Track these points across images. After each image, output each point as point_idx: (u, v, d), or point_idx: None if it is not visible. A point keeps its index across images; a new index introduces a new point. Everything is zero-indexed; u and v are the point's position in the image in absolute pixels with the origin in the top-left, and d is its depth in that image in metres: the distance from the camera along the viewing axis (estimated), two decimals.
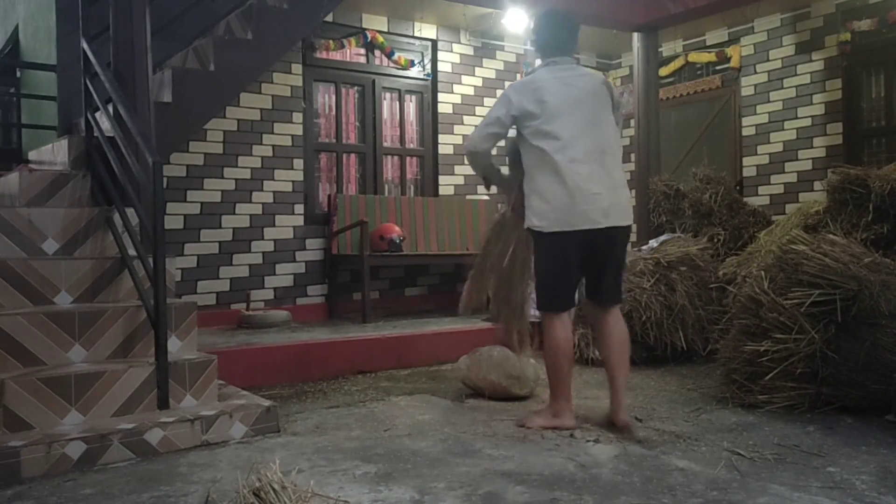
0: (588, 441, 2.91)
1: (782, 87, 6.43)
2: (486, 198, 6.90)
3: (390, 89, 6.61)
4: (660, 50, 6.84)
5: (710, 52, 6.98)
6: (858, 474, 2.49)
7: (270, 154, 5.80)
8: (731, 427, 3.12)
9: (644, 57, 6.38)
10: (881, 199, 4.17)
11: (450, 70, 6.81)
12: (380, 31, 6.39)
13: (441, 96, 6.74)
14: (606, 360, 3.16)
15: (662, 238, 5.15)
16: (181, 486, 2.47)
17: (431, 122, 6.76)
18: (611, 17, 6.17)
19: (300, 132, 5.97)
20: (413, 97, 6.75)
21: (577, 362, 4.58)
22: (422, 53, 6.73)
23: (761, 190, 6.56)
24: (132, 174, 3.36)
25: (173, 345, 3.24)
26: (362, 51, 6.43)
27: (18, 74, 7.21)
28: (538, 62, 3.30)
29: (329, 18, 5.87)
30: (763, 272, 3.57)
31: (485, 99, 6.98)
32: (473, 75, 6.94)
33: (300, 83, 5.98)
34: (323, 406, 3.64)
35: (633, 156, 6.46)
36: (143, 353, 3.22)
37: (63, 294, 3.30)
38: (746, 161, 6.71)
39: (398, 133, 6.68)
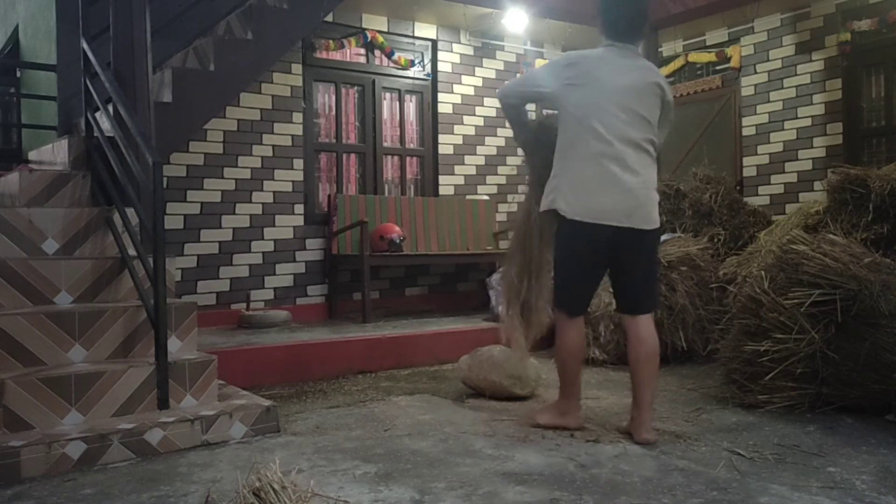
0: (588, 441, 2.91)
1: (782, 87, 6.43)
2: (486, 198, 6.91)
3: (390, 89, 6.61)
4: (660, 50, 6.84)
5: (710, 52, 6.98)
6: (858, 474, 2.49)
7: (270, 154, 5.80)
8: (731, 427, 3.11)
9: (644, 57, 6.36)
10: (881, 199, 4.17)
11: (450, 70, 6.81)
12: (380, 31, 6.39)
13: (441, 96, 6.74)
14: (635, 374, 2.98)
15: (663, 238, 5.15)
16: (181, 486, 2.47)
17: (431, 122, 6.76)
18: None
19: (300, 132, 5.97)
20: (413, 97, 6.75)
21: None
22: (422, 53, 6.73)
23: (761, 190, 6.56)
24: (132, 174, 3.36)
25: (173, 345, 3.24)
26: (362, 51, 6.43)
27: (18, 74, 7.22)
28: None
29: (329, 18, 5.87)
30: (763, 272, 3.57)
31: (485, 99, 6.98)
32: (473, 75, 6.94)
33: (300, 83, 5.98)
34: (323, 406, 3.64)
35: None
36: (143, 353, 3.22)
37: (63, 294, 3.31)
38: (746, 161, 6.71)
39: (398, 133, 6.68)
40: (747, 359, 3.46)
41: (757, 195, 6.52)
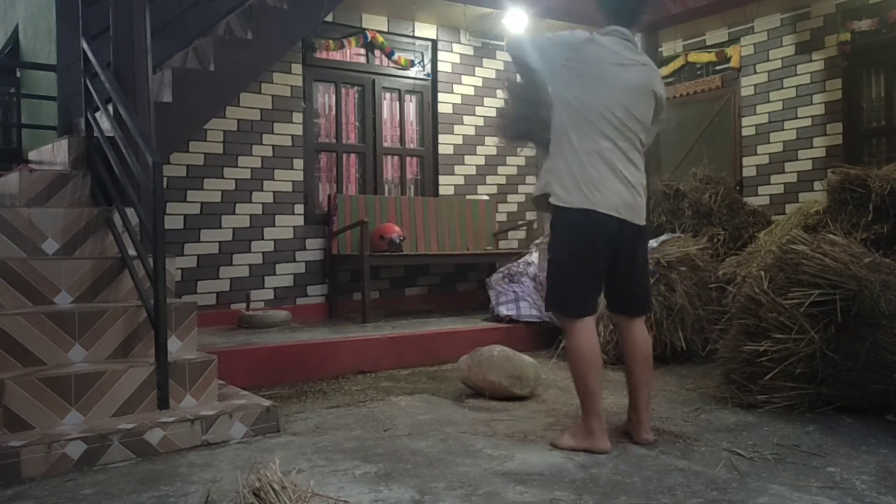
0: None
1: (782, 87, 6.44)
2: (486, 198, 6.91)
3: (390, 89, 6.61)
4: (660, 50, 6.85)
5: (710, 52, 6.98)
6: (858, 474, 2.49)
7: (270, 154, 5.80)
8: (731, 427, 3.11)
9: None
10: (881, 199, 4.17)
11: (450, 70, 6.81)
12: (380, 31, 6.39)
13: (441, 96, 6.74)
14: (631, 375, 2.94)
15: (662, 238, 5.15)
16: (181, 486, 2.47)
17: (431, 122, 6.77)
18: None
19: (300, 132, 5.97)
20: (413, 97, 6.75)
21: None
22: (422, 53, 6.73)
23: (761, 190, 6.56)
24: (132, 174, 3.36)
25: (173, 345, 3.24)
26: (362, 51, 6.43)
27: (18, 74, 7.22)
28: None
29: (329, 18, 5.87)
30: (763, 272, 3.57)
31: (485, 99, 6.98)
32: (473, 75, 6.94)
33: (300, 83, 5.98)
34: (323, 406, 3.64)
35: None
36: (143, 353, 3.22)
37: (63, 294, 3.31)
38: (746, 161, 6.71)
39: (398, 133, 6.68)
40: (747, 359, 3.46)
41: (757, 195, 6.52)
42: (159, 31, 4.07)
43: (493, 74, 7.05)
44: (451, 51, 6.82)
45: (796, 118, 6.34)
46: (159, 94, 4.07)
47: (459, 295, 6.70)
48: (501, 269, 5.66)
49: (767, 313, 3.40)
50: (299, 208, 5.93)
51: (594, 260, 2.81)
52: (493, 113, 7.04)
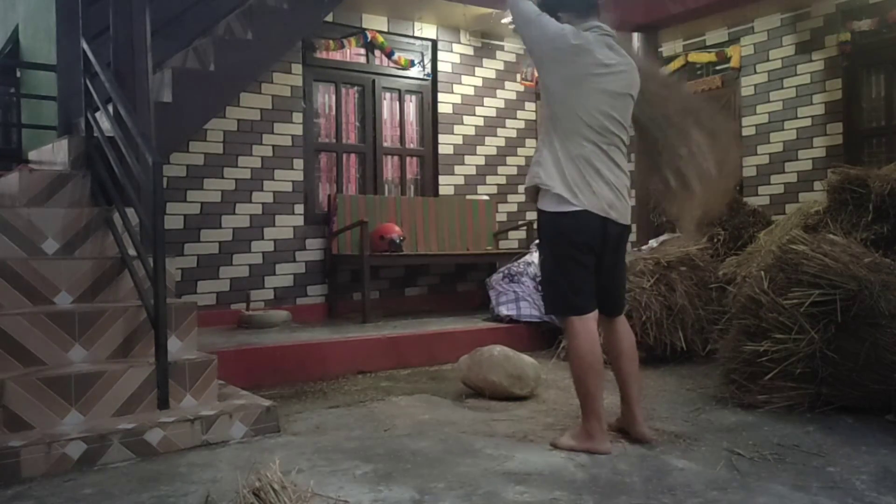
0: None
1: (782, 87, 6.43)
2: (486, 198, 6.91)
3: (390, 89, 6.61)
4: (660, 50, 6.84)
5: (710, 52, 6.98)
6: (858, 474, 2.49)
7: (270, 154, 5.80)
8: (731, 427, 3.11)
9: (644, 57, 6.37)
10: (881, 199, 4.17)
11: (450, 70, 6.81)
12: (380, 31, 6.39)
13: (441, 96, 6.74)
14: (619, 371, 2.96)
15: (662, 238, 5.15)
16: (181, 486, 2.47)
17: (431, 122, 6.76)
18: (611, 17, 6.15)
19: (300, 132, 5.97)
20: (413, 97, 6.75)
21: None
22: (422, 53, 6.73)
23: (761, 190, 6.55)
24: (132, 174, 3.36)
25: (173, 345, 3.24)
26: (362, 51, 6.43)
27: (18, 74, 7.21)
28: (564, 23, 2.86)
29: (329, 18, 5.87)
30: (763, 272, 3.56)
31: (485, 99, 6.98)
32: (473, 75, 6.94)
33: (300, 83, 5.98)
34: (323, 406, 3.64)
35: (632, 156, 6.45)
36: (143, 353, 3.22)
37: (63, 294, 3.31)
38: (746, 161, 6.70)
39: (398, 133, 6.68)
40: (747, 359, 3.46)
41: (757, 195, 6.52)
42: (159, 31, 4.06)
43: (493, 74, 7.05)
44: (451, 51, 6.82)
45: (796, 118, 6.34)
46: (159, 94, 4.06)
47: (459, 295, 6.69)
48: (501, 269, 5.66)
49: (767, 313, 3.40)
50: (299, 208, 5.93)
51: (584, 258, 2.82)
52: (493, 113, 7.05)
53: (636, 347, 3.02)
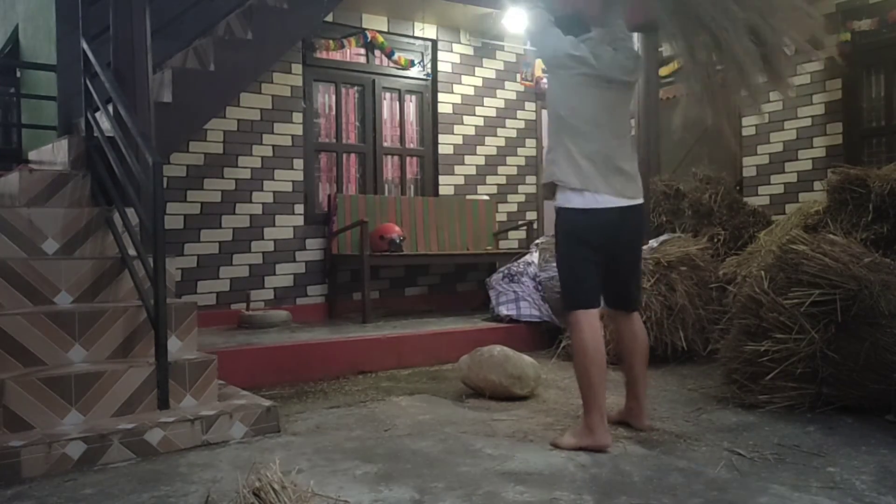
0: None
1: None
2: (486, 198, 6.91)
3: (390, 89, 6.61)
4: (660, 50, 6.84)
5: None
6: (858, 474, 2.49)
7: (270, 154, 5.80)
8: (732, 427, 3.11)
9: (644, 57, 6.36)
10: (881, 199, 4.17)
11: (450, 70, 6.81)
12: (380, 31, 6.39)
13: (441, 96, 6.74)
14: (630, 368, 3.06)
15: (662, 238, 5.15)
16: (181, 486, 2.47)
17: (431, 122, 6.77)
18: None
19: (300, 132, 5.97)
20: (413, 97, 6.75)
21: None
22: (422, 53, 6.73)
23: (761, 190, 6.56)
24: (132, 174, 3.36)
25: (173, 345, 3.24)
26: (362, 51, 6.43)
27: (18, 74, 7.21)
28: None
29: (329, 18, 5.87)
30: (763, 272, 3.57)
31: (485, 99, 6.98)
32: (473, 75, 6.94)
33: (300, 83, 5.98)
34: (323, 406, 3.64)
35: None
36: (143, 353, 3.22)
37: (63, 294, 3.31)
38: (746, 161, 6.71)
39: (398, 133, 6.68)
40: (747, 359, 3.46)
41: (757, 195, 6.52)
42: (159, 31, 4.06)
43: (493, 74, 7.05)
44: (451, 51, 6.82)
45: (796, 118, 6.34)
46: (159, 94, 4.06)
47: (459, 295, 6.70)
48: (501, 269, 5.65)
49: (768, 313, 3.40)
50: (299, 208, 5.93)
51: (594, 254, 2.87)
52: (493, 113, 7.05)
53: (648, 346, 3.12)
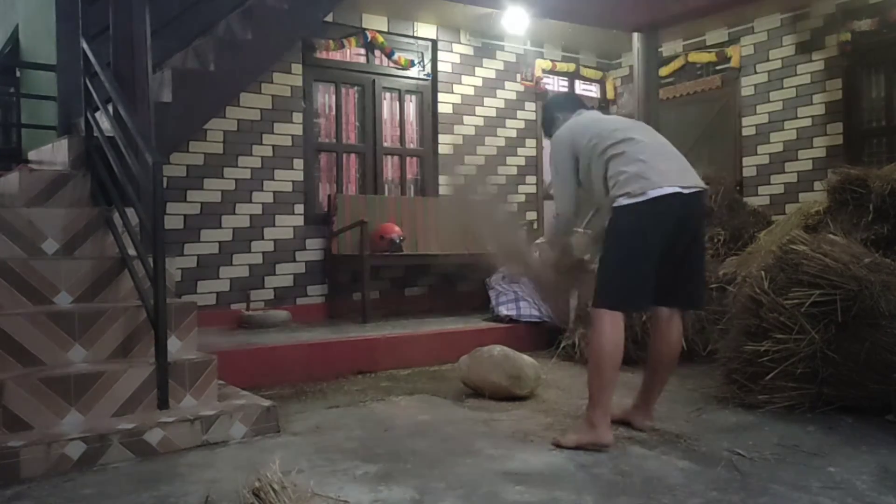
0: None
1: (782, 87, 6.43)
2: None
3: (390, 89, 6.61)
4: (660, 50, 6.84)
5: (710, 52, 6.98)
6: (858, 474, 2.49)
7: (270, 154, 5.79)
8: (732, 427, 3.11)
9: (644, 57, 6.37)
10: (881, 199, 4.17)
11: (450, 70, 6.81)
12: (380, 31, 6.39)
13: (441, 96, 6.74)
14: (654, 373, 3.06)
15: None
16: (181, 486, 2.47)
17: (431, 122, 6.76)
18: (611, 17, 6.17)
19: (300, 132, 5.97)
20: (413, 97, 6.75)
21: (576, 362, 4.59)
22: (422, 53, 6.73)
23: (761, 190, 6.55)
24: (132, 174, 3.36)
25: (173, 345, 3.24)
26: (362, 51, 6.43)
27: (18, 74, 7.21)
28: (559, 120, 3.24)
29: (329, 18, 5.87)
30: (763, 272, 3.56)
31: (485, 99, 6.98)
32: (473, 75, 6.94)
33: (300, 83, 5.98)
34: (323, 406, 3.64)
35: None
36: (143, 353, 3.22)
37: (63, 294, 3.30)
38: (746, 161, 6.71)
39: (398, 133, 6.67)
40: (747, 359, 3.45)
41: (757, 195, 6.52)
42: (159, 31, 4.06)
43: (493, 74, 7.05)
44: (451, 51, 6.82)
45: (796, 118, 6.34)
46: (159, 94, 4.06)
47: (459, 295, 6.69)
48: (501, 269, 5.65)
49: (768, 313, 3.40)
50: (299, 208, 5.93)
51: (655, 249, 2.81)
52: (493, 113, 7.04)
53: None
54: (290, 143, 5.89)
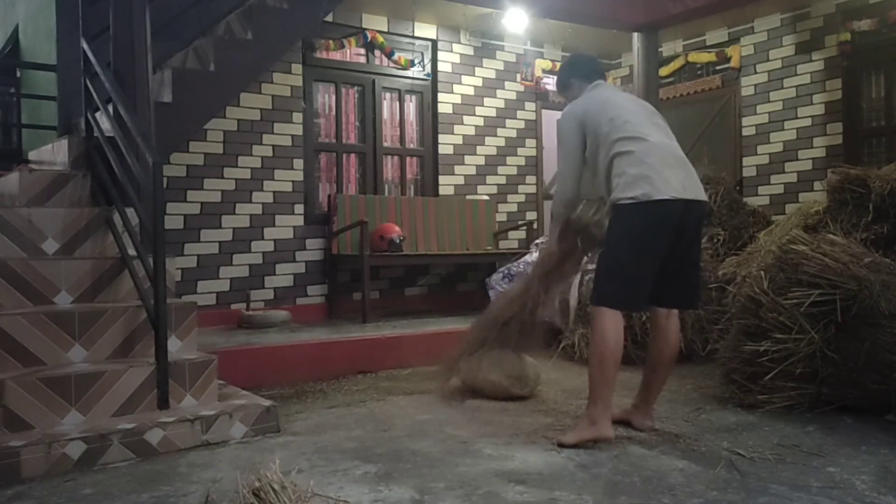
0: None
1: (782, 87, 6.43)
2: (486, 198, 6.91)
3: (390, 89, 6.61)
4: (660, 50, 6.84)
5: (710, 52, 6.98)
6: (858, 474, 2.49)
7: (270, 154, 5.80)
8: (731, 427, 3.11)
9: (644, 57, 6.38)
10: (881, 199, 4.17)
11: (450, 70, 6.81)
12: (380, 31, 6.39)
13: (441, 96, 6.74)
14: (653, 372, 3.06)
15: None
16: (181, 486, 2.47)
17: (431, 122, 6.76)
18: (611, 17, 6.17)
19: (300, 132, 5.97)
20: (413, 97, 6.75)
21: (576, 362, 4.59)
22: (422, 53, 6.73)
23: (761, 190, 6.56)
24: (132, 174, 3.36)
25: (173, 345, 3.24)
26: (362, 51, 6.43)
27: (18, 74, 7.21)
28: (577, 91, 3.20)
29: (329, 18, 5.87)
30: (763, 272, 3.56)
31: (485, 99, 6.98)
32: (473, 75, 6.94)
33: (300, 83, 5.98)
34: (323, 406, 3.64)
35: None
36: (143, 353, 3.22)
37: (63, 294, 3.30)
38: (746, 161, 6.71)
39: (398, 133, 6.67)
40: (747, 359, 3.45)
41: (757, 195, 6.52)
42: (159, 31, 4.06)
43: (493, 74, 7.05)
44: (451, 51, 6.82)
45: (796, 118, 6.34)
46: (159, 94, 4.06)
47: (459, 295, 6.69)
48: (501, 269, 5.65)
49: (768, 313, 3.40)
50: (299, 208, 5.93)
51: (656, 252, 2.83)
52: (493, 113, 7.05)
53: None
54: (290, 143, 5.89)
